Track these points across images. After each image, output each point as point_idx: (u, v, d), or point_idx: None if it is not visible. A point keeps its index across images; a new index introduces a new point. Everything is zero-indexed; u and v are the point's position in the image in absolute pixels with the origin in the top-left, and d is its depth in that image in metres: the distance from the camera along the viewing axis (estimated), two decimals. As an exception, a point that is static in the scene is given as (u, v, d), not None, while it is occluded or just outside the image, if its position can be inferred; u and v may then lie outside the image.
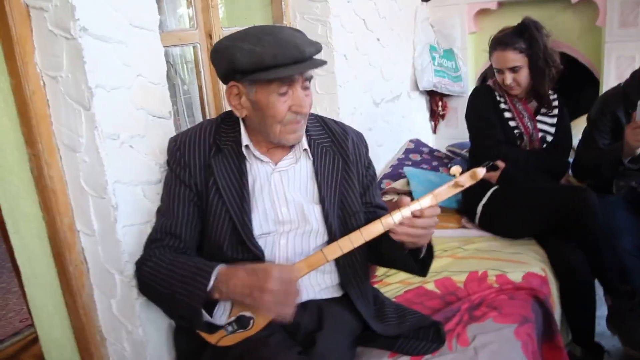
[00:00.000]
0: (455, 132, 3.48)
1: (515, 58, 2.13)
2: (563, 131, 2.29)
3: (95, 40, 1.31)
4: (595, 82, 3.09)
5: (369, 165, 1.52)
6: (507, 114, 2.26)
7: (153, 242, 1.37)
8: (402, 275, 1.86)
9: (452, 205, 2.51)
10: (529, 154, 2.25)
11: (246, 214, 1.32)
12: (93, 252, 1.46)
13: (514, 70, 2.15)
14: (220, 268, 1.24)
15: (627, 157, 1.98)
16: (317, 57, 1.29)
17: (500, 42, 2.17)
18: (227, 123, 1.42)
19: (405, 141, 3.21)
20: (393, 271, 1.89)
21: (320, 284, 1.41)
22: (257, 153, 1.38)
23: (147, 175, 1.47)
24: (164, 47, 1.54)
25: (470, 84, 3.47)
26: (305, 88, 1.31)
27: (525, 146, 2.27)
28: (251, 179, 1.37)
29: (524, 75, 2.17)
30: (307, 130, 1.43)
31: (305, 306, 1.36)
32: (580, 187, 2.20)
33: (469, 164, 2.53)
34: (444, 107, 3.51)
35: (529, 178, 2.19)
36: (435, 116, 3.54)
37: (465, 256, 2.00)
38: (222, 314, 1.27)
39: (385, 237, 1.30)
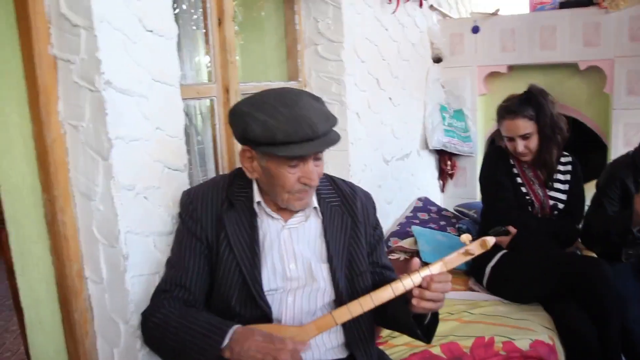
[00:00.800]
0: (463, 191, 3.50)
1: (526, 125, 2.18)
2: (575, 198, 2.30)
3: (118, 94, 1.35)
4: (603, 147, 3.12)
5: (377, 225, 1.53)
6: (519, 180, 2.29)
7: (161, 293, 1.37)
8: (408, 338, 1.82)
9: (461, 267, 2.49)
10: (539, 221, 2.26)
11: (257, 269, 1.33)
12: (99, 299, 1.46)
13: (525, 137, 2.20)
14: (236, 327, 1.23)
15: (637, 227, 1.99)
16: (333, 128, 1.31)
17: (509, 111, 2.22)
18: (240, 180, 1.44)
19: (414, 199, 3.23)
20: (398, 333, 1.86)
21: (326, 344, 1.39)
22: (268, 210, 1.40)
23: (159, 226, 1.48)
24: (182, 99, 1.59)
25: (479, 145, 3.51)
26: (317, 159, 1.33)
27: (536, 213, 2.28)
28: (261, 234, 1.39)
29: (534, 142, 2.21)
30: (317, 189, 1.44)
31: None
32: (594, 257, 2.22)
33: (479, 226, 2.53)
34: (453, 166, 3.54)
35: (539, 244, 2.19)
36: (444, 175, 3.57)
37: (471, 320, 1.98)
38: None
39: (390, 306, 1.31)
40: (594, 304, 1.91)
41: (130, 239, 1.39)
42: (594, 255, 2.31)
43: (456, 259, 1.27)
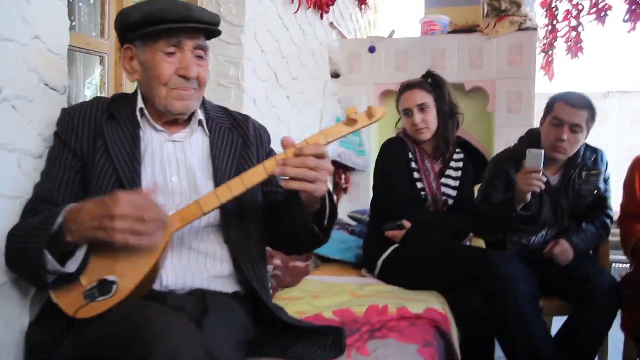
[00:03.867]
0: (356, 205, 3.52)
1: (424, 96, 2.24)
2: (465, 193, 2.35)
3: (-6, -18, 1.20)
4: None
5: (270, 152, 1.46)
6: (415, 174, 2.29)
7: (26, 213, 1.20)
8: (299, 307, 1.74)
9: (351, 259, 2.47)
10: (434, 215, 2.29)
11: (136, 174, 1.21)
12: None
13: (422, 108, 2.24)
14: (70, 205, 1.09)
15: (520, 204, 2.08)
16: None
17: (407, 85, 2.29)
18: (122, 97, 1.37)
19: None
20: (287, 302, 1.76)
21: (209, 270, 1.26)
22: (152, 121, 1.31)
23: (27, 144, 1.29)
24: (69, 47, 1.47)
25: (372, 159, 3.59)
26: (198, 57, 1.28)
27: (429, 207, 2.30)
28: (143, 145, 1.27)
29: (432, 116, 2.25)
30: (206, 109, 1.40)
31: (189, 294, 1.21)
32: (478, 247, 2.32)
33: (370, 222, 2.52)
34: (347, 181, 3.58)
35: (433, 238, 2.21)
36: (338, 189, 3.58)
37: (365, 295, 1.92)
38: (73, 264, 1.08)
39: (284, 202, 1.26)
40: (483, 287, 1.94)
41: (-10, 149, 1.20)
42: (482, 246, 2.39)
43: (338, 128, 1.16)
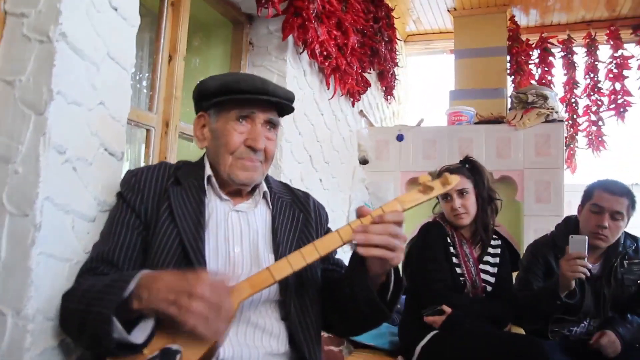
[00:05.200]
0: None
1: (463, 181, 2.24)
2: (504, 278, 2.29)
3: (70, 51, 1.26)
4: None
5: (329, 231, 1.44)
6: (455, 260, 2.25)
7: (85, 273, 1.18)
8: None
9: (385, 345, 2.36)
10: (473, 301, 2.23)
11: (200, 241, 1.18)
12: (-14, 288, 1.20)
13: (461, 194, 2.23)
14: (144, 272, 1.05)
15: (564, 291, 2.03)
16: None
17: (446, 170, 2.29)
18: (188, 164, 1.37)
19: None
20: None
21: (265, 347, 1.19)
22: (218, 189, 1.29)
23: (83, 207, 1.30)
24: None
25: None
26: (268, 130, 1.30)
27: (468, 293, 2.24)
28: (207, 213, 1.26)
29: (471, 202, 2.24)
30: (268, 183, 1.39)
31: None
32: (529, 336, 2.20)
33: (405, 307, 2.42)
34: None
35: (474, 325, 2.13)
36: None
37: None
38: (140, 333, 1.02)
39: (346, 274, 1.21)
40: None
41: (48, 209, 1.20)
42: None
43: (414, 195, 1.12)
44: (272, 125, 1.31)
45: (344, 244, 1.11)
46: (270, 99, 1.26)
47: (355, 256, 1.16)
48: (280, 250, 1.26)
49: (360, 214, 1.12)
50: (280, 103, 1.29)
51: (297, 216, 1.35)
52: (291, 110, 1.35)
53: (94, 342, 1.04)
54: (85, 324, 1.04)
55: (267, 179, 1.40)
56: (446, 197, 2.27)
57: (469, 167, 2.32)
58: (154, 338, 1.04)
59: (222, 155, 1.27)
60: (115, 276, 1.09)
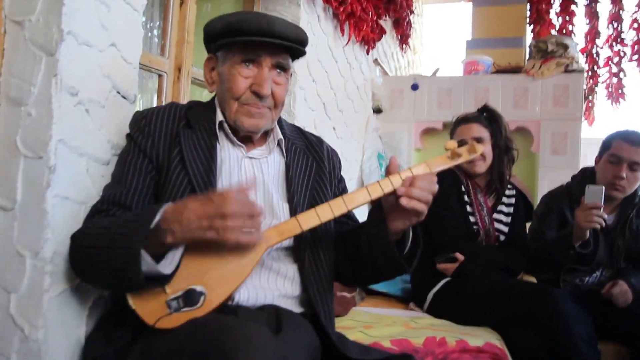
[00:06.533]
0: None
1: (481, 130, 2.21)
2: (518, 229, 2.29)
3: (79, -11, 1.22)
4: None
5: (342, 179, 1.43)
6: (468, 208, 2.24)
7: (96, 214, 1.16)
8: (353, 336, 1.66)
9: (397, 292, 2.39)
10: (487, 250, 2.23)
11: (211, 187, 1.16)
12: (4, 231, 1.20)
13: (478, 141, 2.19)
14: (167, 204, 1.05)
15: (578, 241, 2.03)
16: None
17: (464, 118, 2.26)
18: (200, 105, 1.33)
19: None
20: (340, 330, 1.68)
21: (280, 289, 1.20)
22: (230, 134, 1.26)
23: (97, 149, 1.29)
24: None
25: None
26: (277, 74, 1.23)
27: (481, 241, 2.24)
28: (219, 159, 1.23)
29: (487, 150, 2.22)
30: (282, 129, 1.35)
31: (261, 309, 1.16)
32: (542, 284, 2.23)
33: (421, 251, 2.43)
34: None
35: (485, 273, 2.14)
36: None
37: (419, 327, 1.84)
38: (168, 264, 1.03)
39: (364, 227, 1.20)
40: (543, 325, 1.86)
41: (62, 151, 1.19)
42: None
43: (440, 161, 1.15)
44: (282, 68, 1.24)
45: (372, 200, 1.12)
46: (277, 41, 1.17)
47: (374, 213, 1.17)
48: (295, 200, 1.25)
49: (389, 170, 1.12)
50: (288, 47, 1.21)
51: (310, 164, 1.33)
52: (303, 53, 1.27)
53: (116, 279, 1.04)
54: (108, 261, 1.03)
55: (281, 123, 1.36)
56: (462, 144, 2.23)
57: (487, 116, 2.28)
58: (178, 276, 1.05)
59: (227, 101, 1.22)
60: (135, 212, 1.09)
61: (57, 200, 1.18)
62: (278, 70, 1.23)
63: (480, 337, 1.70)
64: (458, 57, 3.87)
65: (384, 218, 1.13)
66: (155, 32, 2.07)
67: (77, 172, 1.24)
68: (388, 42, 3.84)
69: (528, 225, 2.41)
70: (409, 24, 4.02)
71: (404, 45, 4.09)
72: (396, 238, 1.17)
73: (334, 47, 2.81)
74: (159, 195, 1.20)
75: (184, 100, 2.01)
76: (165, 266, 1.03)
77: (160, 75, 1.97)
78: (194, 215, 1.00)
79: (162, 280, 1.03)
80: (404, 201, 1.06)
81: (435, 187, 1.10)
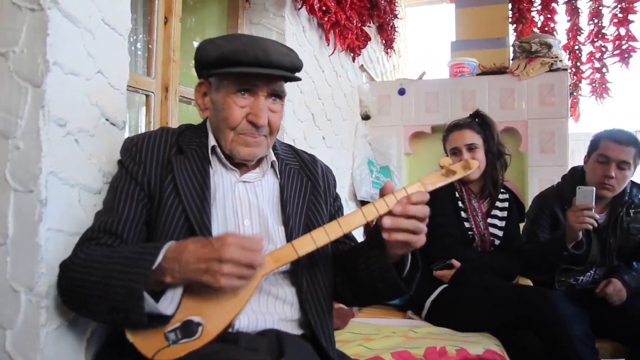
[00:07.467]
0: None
1: (473, 136, 2.22)
2: (512, 232, 2.30)
3: (64, 18, 1.21)
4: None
5: (337, 197, 1.42)
6: (463, 214, 2.25)
7: (86, 241, 1.14)
8: (353, 350, 1.66)
9: (395, 301, 2.38)
10: (482, 255, 2.24)
11: (206, 215, 1.15)
12: (-3, 267, 1.19)
13: (471, 148, 2.21)
14: (169, 244, 1.04)
15: (571, 242, 2.04)
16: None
17: (456, 125, 2.27)
18: (191, 130, 1.32)
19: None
20: (340, 345, 1.68)
21: (279, 313, 1.20)
22: (223, 159, 1.25)
23: (88, 179, 1.28)
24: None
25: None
26: (273, 102, 1.21)
27: (476, 246, 2.25)
28: (213, 184, 1.22)
29: (480, 157, 2.22)
30: (275, 150, 1.34)
31: (261, 334, 1.15)
32: (537, 287, 2.24)
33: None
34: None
35: (482, 279, 2.15)
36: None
37: (418, 336, 1.84)
38: (169, 304, 1.02)
39: (362, 250, 1.18)
40: (540, 328, 1.88)
41: (53, 183, 1.18)
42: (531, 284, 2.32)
43: (435, 178, 1.13)
44: (278, 96, 1.22)
45: (368, 223, 1.11)
46: (273, 72, 1.16)
47: (372, 236, 1.15)
48: (290, 223, 1.23)
49: (384, 192, 1.10)
50: (285, 77, 1.20)
51: (305, 184, 1.32)
52: (298, 78, 1.25)
53: (115, 317, 1.02)
54: (106, 298, 1.02)
55: (274, 144, 1.34)
56: (455, 151, 2.25)
57: (479, 122, 2.29)
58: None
59: (223, 130, 1.21)
60: (135, 248, 1.07)
61: (50, 234, 1.17)
62: (273, 98, 1.22)
63: (480, 345, 1.71)
64: (444, 59, 3.89)
65: (382, 242, 1.11)
66: (139, 52, 2.06)
67: (68, 203, 1.23)
68: (373, 48, 3.85)
69: (521, 226, 2.43)
70: (393, 28, 4.03)
71: (388, 50, 4.10)
72: (395, 260, 1.16)
73: (320, 57, 2.82)
74: (152, 224, 1.18)
75: (173, 119, 2.00)
76: (166, 306, 1.02)
77: (147, 96, 1.95)
78: (192, 257, 0.99)
79: (163, 319, 1.02)
80: (385, 235, 1.05)
81: (426, 210, 1.07)
